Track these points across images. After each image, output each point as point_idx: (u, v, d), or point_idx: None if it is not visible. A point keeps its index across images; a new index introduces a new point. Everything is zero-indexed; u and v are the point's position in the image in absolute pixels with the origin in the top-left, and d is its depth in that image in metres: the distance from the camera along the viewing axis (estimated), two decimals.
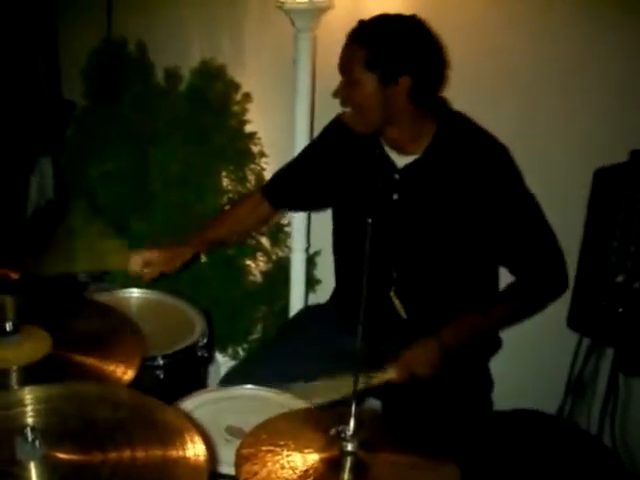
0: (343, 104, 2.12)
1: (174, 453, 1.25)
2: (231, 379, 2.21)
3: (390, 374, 2.06)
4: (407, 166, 2.13)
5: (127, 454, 1.23)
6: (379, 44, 2.00)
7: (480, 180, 2.05)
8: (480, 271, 2.20)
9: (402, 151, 2.13)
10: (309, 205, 2.66)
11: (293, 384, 2.04)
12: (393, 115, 2.06)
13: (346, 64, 2.06)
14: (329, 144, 2.35)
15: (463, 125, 2.12)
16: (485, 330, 2.14)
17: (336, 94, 2.10)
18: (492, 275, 2.26)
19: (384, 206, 2.14)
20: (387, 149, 2.15)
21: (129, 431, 1.29)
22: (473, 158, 2.06)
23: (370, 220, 1.57)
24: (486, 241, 2.11)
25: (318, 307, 2.60)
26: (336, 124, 2.28)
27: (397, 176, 2.14)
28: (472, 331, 2.09)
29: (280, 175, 2.50)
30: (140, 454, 1.24)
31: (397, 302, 2.20)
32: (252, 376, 2.11)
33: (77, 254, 2.47)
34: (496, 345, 2.29)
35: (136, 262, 2.33)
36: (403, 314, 2.20)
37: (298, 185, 2.43)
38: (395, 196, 2.14)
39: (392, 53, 2.00)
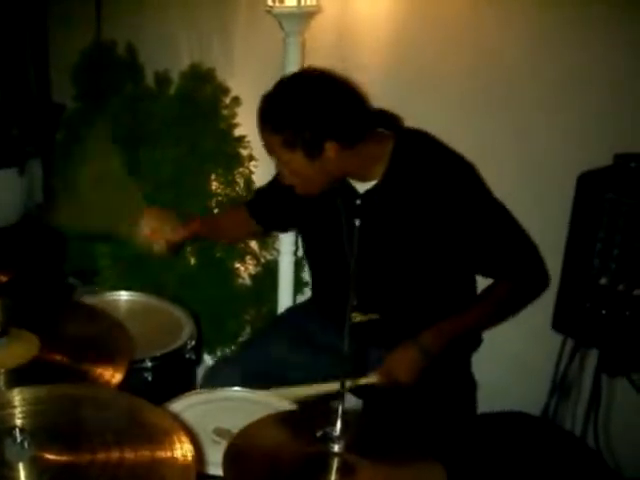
0: (287, 183, 2.12)
1: (162, 454, 1.26)
2: (209, 379, 2.25)
3: (372, 379, 2.07)
4: (367, 192, 2.13)
5: (115, 455, 1.24)
6: (289, 125, 1.97)
7: (439, 196, 2.03)
8: (452, 285, 2.21)
9: (361, 179, 2.13)
10: (284, 226, 2.69)
11: (277, 388, 2.06)
12: (337, 171, 2.07)
13: (267, 148, 2.07)
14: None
15: (419, 144, 2.10)
16: (467, 332, 2.14)
17: (277, 171, 2.15)
18: (466, 287, 2.25)
19: (349, 232, 2.14)
20: (348, 178, 2.15)
21: (117, 432, 1.29)
22: (430, 175, 2.05)
23: (358, 223, 1.59)
24: (455, 255, 2.11)
25: (300, 306, 2.62)
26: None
27: (358, 201, 2.14)
28: (453, 335, 2.09)
29: (260, 194, 2.52)
30: (128, 455, 1.25)
31: (360, 319, 2.18)
32: (228, 376, 2.15)
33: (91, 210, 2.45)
34: (476, 342, 2.30)
35: (147, 225, 2.33)
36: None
37: (273, 207, 2.43)
38: (357, 222, 2.12)
39: (305, 129, 1.96)
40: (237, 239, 2.86)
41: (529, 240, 2.13)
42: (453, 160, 2.08)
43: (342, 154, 2.01)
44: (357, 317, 2.14)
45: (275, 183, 2.38)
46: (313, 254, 2.43)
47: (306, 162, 2.00)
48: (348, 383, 1.77)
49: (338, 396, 1.46)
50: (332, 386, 1.94)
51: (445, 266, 2.14)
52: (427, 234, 2.07)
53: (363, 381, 2.07)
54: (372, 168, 2.10)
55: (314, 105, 1.97)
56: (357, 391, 2.22)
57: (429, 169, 2.06)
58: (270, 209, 2.45)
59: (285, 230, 2.80)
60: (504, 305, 2.16)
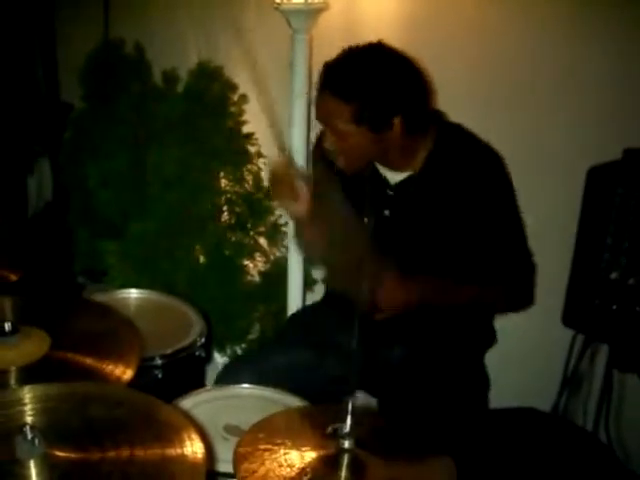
0: (334, 156, 2.05)
1: (172, 451, 1.26)
2: (223, 377, 2.23)
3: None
4: (400, 182, 2.11)
5: (126, 452, 1.24)
6: (363, 97, 1.90)
7: (471, 193, 2.02)
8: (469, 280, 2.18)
9: (395, 169, 2.10)
10: None
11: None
12: (387, 151, 2.03)
13: (328, 119, 1.99)
14: (320, 164, 2.27)
15: (459, 138, 2.08)
16: (441, 301, 2.08)
17: (326, 148, 2.03)
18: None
19: (376, 222, 2.10)
20: (380, 167, 2.12)
21: (128, 429, 1.30)
22: (467, 172, 2.03)
23: (387, 213, 1.56)
24: (469, 251, 2.09)
25: (315, 306, 2.62)
26: (319, 144, 2.22)
27: (390, 192, 2.12)
28: (436, 293, 2.04)
29: None
30: (139, 452, 1.25)
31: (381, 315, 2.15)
32: (242, 375, 2.13)
33: None
34: (491, 339, 2.29)
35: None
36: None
37: None
38: (387, 212, 2.11)
39: (379, 103, 1.92)
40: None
41: (530, 257, 2.12)
42: (489, 158, 2.06)
43: (401, 135, 1.97)
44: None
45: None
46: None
47: (367, 136, 1.95)
48: None
49: (349, 392, 1.46)
50: None
51: (461, 263, 2.11)
52: (455, 228, 2.06)
53: None
54: (410, 159, 2.07)
55: (391, 78, 1.93)
56: (371, 389, 2.22)
57: (466, 166, 2.04)
58: None
59: None
60: (486, 299, 2.13)
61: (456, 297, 2.10)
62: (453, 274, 2.10)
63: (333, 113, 1.95)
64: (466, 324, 2.19)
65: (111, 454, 1.24)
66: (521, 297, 2.16)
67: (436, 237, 2.09)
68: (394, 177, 2.12)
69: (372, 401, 2.31)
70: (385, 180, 2.13)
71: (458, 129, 2.11)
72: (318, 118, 2.02)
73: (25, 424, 1.21)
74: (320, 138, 2.22)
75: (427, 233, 2.10)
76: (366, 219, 1.52)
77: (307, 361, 2.23)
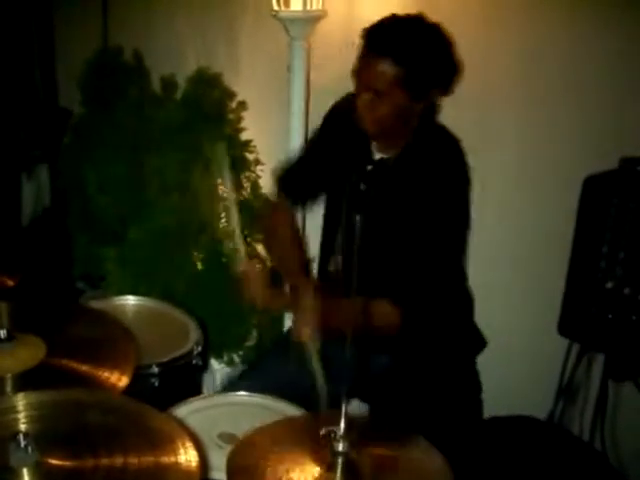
0: (364, 119, 2.05)
1: (166, 459, 1.26)
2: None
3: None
4: (379, 160, 2.14)
5: (119, 460, 1.24)
6: (414, 62, 1.94)
7: (430, 192, 2.03)
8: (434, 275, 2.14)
9: (383, 146, 2.13)
10: (316, 195, 2.51)
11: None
12: (408, 122, 2.06)
13: (374, 80, 1.98)
14: (327, 133, 2.33)
15: (441, 138, 2.11)
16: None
17: (362, 102, 2.03)
18: (453, 280, 2.22)
19: (353, 193, 2.11)
20: (373, 142, 2.15)
21: (121, 437, 1.29)
22: (434, 172, 2.05)
23: (358, 217, 1.57)
24: (413, 244, 2.07)
25: None
26: (334, 113, 2.28)
27: (369, 167, 2.15)
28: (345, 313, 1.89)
29: (292, 169, 2.43)
30: (132, 460, 1.25)
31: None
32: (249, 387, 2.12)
33: None
34: (480, 344, 2.29)
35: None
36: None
37: (309, 175, 2.38)
38: (362, 186, 2.12)
39: (428, 72, 1.97)
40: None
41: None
42: (458, 174, 2.07)
43: (424, 108, 2.02)
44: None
45: (307, 152, 2.40)
46: (327, 222, 2.40)
47: (405, 101, 1.98)
48: None
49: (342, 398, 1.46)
50: None
51: (403, 252, 2.10)
52: (410, 218, 2.06)
53: None
54: (398, 141, 2.10)
55: (439, 50, 1.98)
56: (363, 395, 2.22)
57: (435, 168, 2.06)
58: (305, 179, 2.39)
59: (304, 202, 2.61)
60: (376, 320, 2.05)
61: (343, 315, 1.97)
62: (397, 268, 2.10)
63: (379, 74, 1.96)
64: (449, 328, 2.20)
65: (105, 462, 1.23)
66: (418, 311, 2.09)
67: (396, 222, 2.10)
68: (378, 154, 2.15)
69: (364, 407, 2.31)
70: (369, 155, 2.15)
71: (442, 131, 2.14)
72: (359, 78, 2.02)
73: (19, 432, 1.21)
74: (332, 110, 2.28)
75: (389, 216, 2.10)
76: (357, 216, 1.53)
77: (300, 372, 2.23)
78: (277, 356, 2.36)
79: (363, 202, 1.99)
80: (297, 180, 2.41)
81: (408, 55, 1.94)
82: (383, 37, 1.97)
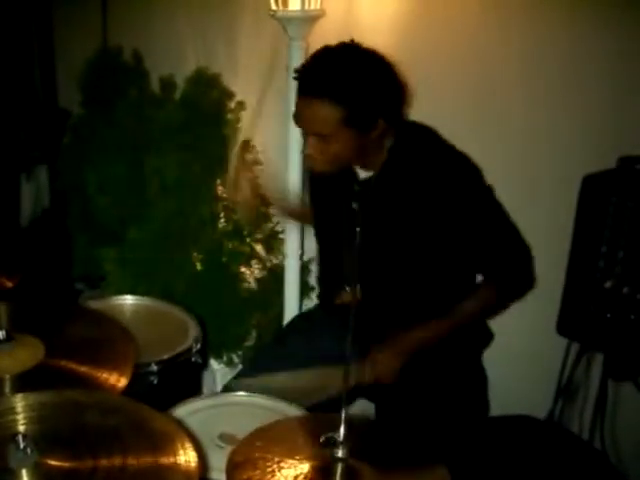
0: (312, 163, 2.03)
1: (165, 460, 1.26)
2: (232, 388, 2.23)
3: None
4: (365, 179, 2.12)
5: (118, 461, 1.24)
6: (355, 99, 1.87)
7: (431, 190, 2.01)
8: (446, 281, 2.17)
9: (365, 167, 2.11)
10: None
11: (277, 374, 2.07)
12: (365, 151, 2.03)
13: (316, 125, 1.93)
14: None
15: (417, 138, 2.08)
16: (448, 333, 2.11)
17: (308, 156, 2.00)
18: (463, 283, 2.22)
19: (348, 214, 2.11)
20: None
21: (121, 438, 1.30)
22: (424, 170, 2.03)
23: (356, 206, 1.57)
24: (446, 250, 2.08)
25: (309, 314, 2.62)
26: None
27: (357, 187, 2.13)
28: (438, 335, 2.08)
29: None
30: (131, 461, 1.25)
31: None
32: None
33: None
34: (487, 338, 2.29)
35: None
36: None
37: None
38: (355, 206, 2.11)
39: (371, 104, 1.90)
40: None
41: (520, 240, 2.10)
42: (449, 156, 2.05)
43: (380, 136, 1.98)
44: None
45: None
46: (322, 241, 2.41)
47: (354, 137, 1.93)
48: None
49: (342, 400, 1.46)
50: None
51: (437, 261, 2.12)
52: (418, 228, 2.05)
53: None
54: (376, 157, 2.07)
55: (377, 79, 1.90)
56: (368, 394, 2.22)
57: (424, 164, 2.04)
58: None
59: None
60: (487, 307, 2.16)
61: (456, 324, 2.11)
62: (426, 275, 2.11)
63: (320, 117, 1.90)
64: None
65: (104, 463, 1.24)
66: (521, 282, 2.14)
67: (399, 236, 2.09)
68: (362, 173, 2.13)
69: (369, 406, 2.31)
70: (355, 175, 2.14)
71: (418, 129, 2.11)
72: (300, 124, 1.98)
73: (18, 433, 1.21)
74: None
75: (390, 231, 2.10)
76: (358, 228, 1.53)
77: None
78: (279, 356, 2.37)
79: (359, 222, 1.99)
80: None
81: (346, 92, 1.87)
82: (316, 77, 1.90)
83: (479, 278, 2.22)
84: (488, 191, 2.08)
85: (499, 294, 2.13)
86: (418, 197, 2.03)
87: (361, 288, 2.03)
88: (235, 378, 2.35)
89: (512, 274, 2.11)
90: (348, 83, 1.87)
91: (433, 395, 2.11)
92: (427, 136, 2.09)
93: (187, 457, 1.27)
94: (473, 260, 2.13)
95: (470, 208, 2.04)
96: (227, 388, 2.25)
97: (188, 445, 1.29)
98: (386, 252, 2.13)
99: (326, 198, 2.29)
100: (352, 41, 1.95)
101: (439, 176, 2.02)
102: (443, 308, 2.10)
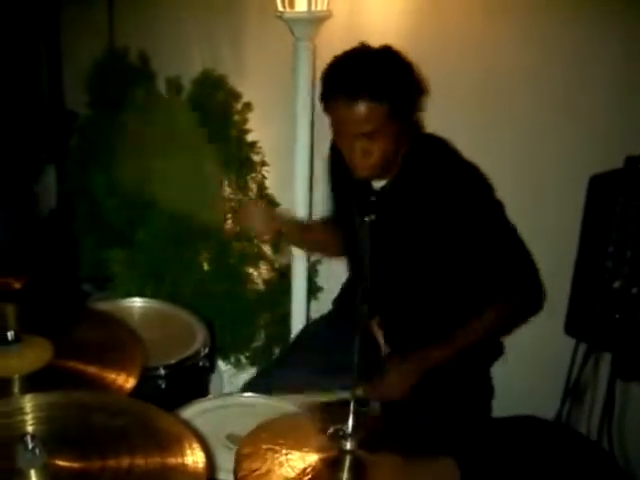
0: (363, 170, 2.05)
1: (173, 460, 1.26)
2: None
3: (362, 393, 2.02)
4: (381, 188, 2.13)
5: (126, 461, 1.24)
6: (394, 91, 1.93)
7: (442, 202, 2.03)
8: (455, 294, 2.18)
9: (380, 175, 2.12)
10: None
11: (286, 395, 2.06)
12: (401, 146, 2.06)
13: (364, 121, 1.94)
14: (332, 168, 2.36)
15: (430, 148, 2.10)
16: (459, 352, 2.11)
17: (359, 152, 2.00)
18: (471, 297, 2.20)
19: (363, 227, 2.08)
20: None
21: (128, 438, 1.30)
22: (435, 182, 2.04)
23: (367, 219, 1.57)
24: (458, 261, 2.09)
25: (322, 319, 2.62)
26: (333, 150, 2.29)
27: (373, 198, 2.14)
28: (451, 354, 2.08)
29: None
30: (139, 461, 1.25)
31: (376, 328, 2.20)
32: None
33: None
34: (498, 352, 2.29)
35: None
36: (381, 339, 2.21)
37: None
38: (372, 217, 2.12)
39: (407, 94, 1.98)
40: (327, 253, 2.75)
41: (530, 260, 2.10)
42: (462, 169, 2.06)
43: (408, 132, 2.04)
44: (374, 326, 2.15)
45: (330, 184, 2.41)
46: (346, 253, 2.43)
47: (399, 130, 1.98)
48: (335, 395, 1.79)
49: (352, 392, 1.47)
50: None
51: (446, 274, 2.13)
52: (428, 239, 2.07)
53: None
54: (391, 166, 2.09)
55: (407, 70, 1.99)
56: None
57: (437, 175, 2.05)
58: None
59: None
60: (497, 326, 2.15)
61: (467, 343, 2.10)
62: (444, 288, 2.12)
63: (372, 117, 1.93)
64: None
65: (112, 463, 1.24)
66: (530, 303, 2.15)
67: (410, 246, 2.11)
68: (378, 182, 2.14)
69: (375, 407, 2.31)
70: (370, 186, 2.15)
71: (430, 138, 2.14)
72: (346, 127, 1.98)
73: (26, 433, 1.21)
74: (332, 146, 2.27)
75: (407, 240, 2.11)
76: (367, 218, 1.53)
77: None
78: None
79: (373, 235, 2.00)
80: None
81: (384, 86, 1.92)
82: (352, 78, 1.94)
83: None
84: (498, 206, 2.09)
85: (510, 310, 2.12)
86: (429, 206, 2.04)
87: (373, 303, 2.04)
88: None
89: (520, 289, 2.10)
90: (382, 76, 1.94)
91: (438, 404, 2.10)
92: (440, 147, 2.11)
93: (195, 457, 1.27)
94: (481, 275, 2.12)
95: (478, 221, 2.05)
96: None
97: (196, 445, 1.29)
98: (398, 263, 2.14)
99: (346, 213, 2.30)
100: (363, 43, 2.02)
101: (451, 187, 2.03)
102: (454, 323, 2.09)
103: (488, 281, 2.10)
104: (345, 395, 1.93)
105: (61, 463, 1.22)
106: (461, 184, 2.04)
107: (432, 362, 2.08)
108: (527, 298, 2.13)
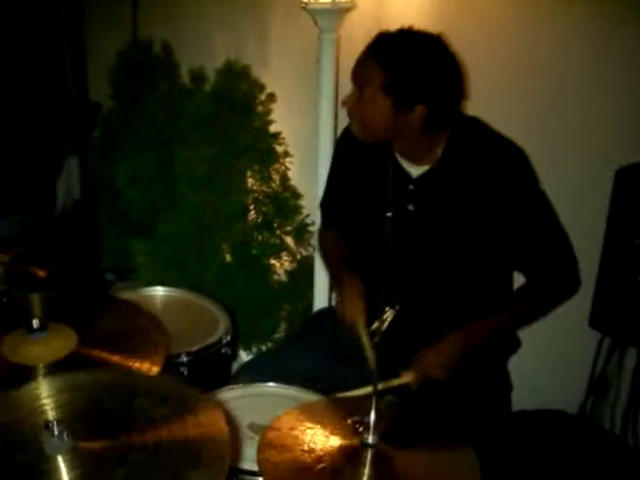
0: (350, 115, 2.07)
1: (197, 430, 1.29)
2: (242, 373, 2.26)
3: (405, 379, 2.02)
4: (421, 176, 2.09)
5: (152, 436, 1.26)
6: (399, 69, 1.92)
7: (494, 185, 2.00)
8: (495, 278, 2.16)
9: (415, 161, 2.09)
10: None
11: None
12: (402, 135, 2.03)
13: (361, 78, 2.00)
14: (344, 157, 2.31)
15: (476, 130, 2.07)
16: (499, 332, 2.10)
17: (344, 104, 2.06)
18: (507, 282, 2.21)
19: (400, 217, 2.10)
20: (400, 159, 2.11)
21: (152, 413, 1.32)
22: (486, 164, 2.01)
23: (390, 214, 1.56)
24: (501, 245, 2.06)
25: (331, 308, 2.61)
26: (345, 136, 2.25)
27: (412, 187, 2.11)
28: (485, 335, 2.05)
29: (328, 199, 2.45)
30: (165, 435, 1.27)
31: (388, 316, 2.16)
32: (261, 372, 2.13)
33: None
34: (514, 346, 2.26)
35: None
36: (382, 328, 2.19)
37: (343, 203, 2.36)
38: (410, 207, 2.10)
39: (412, 81, 1.93)
40: None
41: (567, 241, 2.09)
42: (509, 151, 2.03)
43: (419, 126, 1.99)
44: (387, 314, 2.13)
45: (332, 180, 2.39)
46: (355, 245, 2.36)
47: (388, 111, 1.96)
48: (380, 385, 1.78)
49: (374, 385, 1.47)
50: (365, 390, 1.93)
51: (490, 258, 2.10)
52: (479, 221, 2.04)
53: (396, 382, 2.04)
54: (428, 151, 2.06)
55: (433, 65, 1.94)
56: (391, 390, 2.21)
57: (484, 157, 2.02)
58: (341, 208, 2.38)
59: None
60: (536, 307, 2.13)
61: (505, 324, 2.09)
62: (483, 271, 2.09)
63: (367, 74, 1.97)
64: None
65: (137, 439, 1.25)
66: (567, 284, 2.12)
67: (462, 231, 2.07)
68: (415, 170, 2.10)
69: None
70: (407, 174, 2.12)
71: (474, 122, 2.10)
72: (352, 75, 2.04)
73: (51, 420, 1.22)
74: (344, 133, 2.25)
75: (453, 228, 2.08)
76: (389, 213, 1.52)
77: (318, 374, 2.20)
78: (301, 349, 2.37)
79: (414, 224, 1.99)
80: (338, 216, 2.40)
81: (394, 61, 1.93)
82: (379, 42, 1.98)
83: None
84: (538, 185, 2.08)
85: (545, 295, 2.10)
86: (480, 189, 2.01)
87: (401, 295, 2.06)
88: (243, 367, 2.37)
89: (559, 275, 2.08)
90: (401, 54, 1.93)
91: (456, 398, 2.09)
92: (482, 129, 2.08)
93: (219, 427, 1.29)
94: (526, 259, 2.10)
95: (530, 205, 2.03)
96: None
97: (219, 415, 1.31)
98: (439, 250, 2.10)
99: (362, 203, 2.25)
100: (439, 34, 1.99)
101: (499, 168, 2.01)
102: (486, 311, 2.07)
103: (533, 264, 2.08)
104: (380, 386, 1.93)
105: (87, 445, 1.22)
106: (508, 165, 2.02)
107: (477, 340, 2.04)
108: (564, 282, 2.11)
